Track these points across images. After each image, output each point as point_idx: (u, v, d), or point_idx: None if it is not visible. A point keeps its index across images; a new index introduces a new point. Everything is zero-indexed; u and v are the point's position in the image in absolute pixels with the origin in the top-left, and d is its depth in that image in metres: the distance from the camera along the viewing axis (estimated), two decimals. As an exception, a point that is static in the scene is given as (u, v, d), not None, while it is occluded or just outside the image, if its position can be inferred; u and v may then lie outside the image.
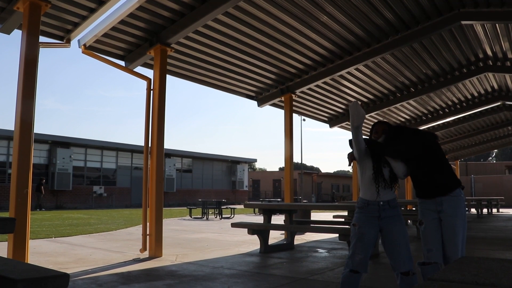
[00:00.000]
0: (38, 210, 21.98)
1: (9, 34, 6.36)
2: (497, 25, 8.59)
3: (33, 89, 5.35)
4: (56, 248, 7.62)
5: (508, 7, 7.42)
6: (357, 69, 10.17)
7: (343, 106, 12.94)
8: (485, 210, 20.30)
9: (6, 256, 4.78)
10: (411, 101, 13.13)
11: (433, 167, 3.41)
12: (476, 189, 34.96)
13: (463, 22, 8.04)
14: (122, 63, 7.77)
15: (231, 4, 6.42)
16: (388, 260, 3.36)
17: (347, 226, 7.23)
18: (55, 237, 9.15)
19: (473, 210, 20.33)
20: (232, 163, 38.46)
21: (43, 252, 7.02)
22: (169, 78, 10.63)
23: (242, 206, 18.44)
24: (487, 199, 20.44)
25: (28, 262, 5.05)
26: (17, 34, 6.54)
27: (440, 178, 3.39)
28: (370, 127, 3.60)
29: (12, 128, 5.40)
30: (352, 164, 3.67)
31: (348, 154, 3.60)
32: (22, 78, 5.28)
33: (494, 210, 22.38)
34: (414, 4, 7.59)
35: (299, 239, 9.06)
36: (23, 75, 5.28)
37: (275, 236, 9.43)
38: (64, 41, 6.86)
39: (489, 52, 10.17)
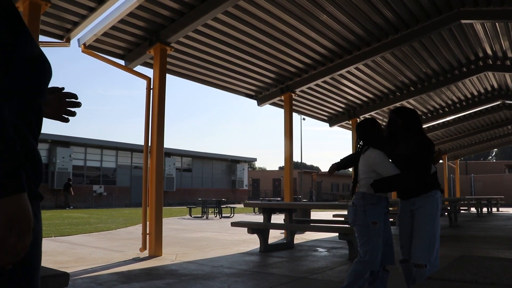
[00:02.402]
0: (66, 208, 23.28)
1: (8, 33, 6.36)
2: (497, 24, 8.58)
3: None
4: (56, 247, 7.62)
5: (507, 6, 7.41)
6: (357, 68, 10.16)
7: (343, 105, 12.94)
8: (485, 209, 20.30)
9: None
10: (411, 100, 13.12)
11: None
12: (476, 188, 34.96)
13: (463, 21, 8.04)
14: (122, 62, 7.76)
15: (231, 3, 6.42)
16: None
17: (347, 225, 7.23)
18: (55, 236, 9.15)
19: (473, 209, 20.32)
20: (232, 162, 38.46)
21: (43, 251, 6.93)
22: (169, 77, 10.65)
23: (242, 205, 18.43)
24: (487, 198, 20.45)
25: (28, 261, 5.05)
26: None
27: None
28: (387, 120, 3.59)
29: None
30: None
31: (333, 166, 3.62)
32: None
33: (494, 209, 22.38)
34: (414, 3, 7.59)
35: (299, 238, 9.06)
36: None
37: (275, 235, 9.43)
38: (64, 40, 6.85)
39: (489, 51, 10.17)
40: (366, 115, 13.46)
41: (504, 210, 23.65)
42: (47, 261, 5.96)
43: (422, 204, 3.32)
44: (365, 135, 3.47)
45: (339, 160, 3.77)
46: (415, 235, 3.29)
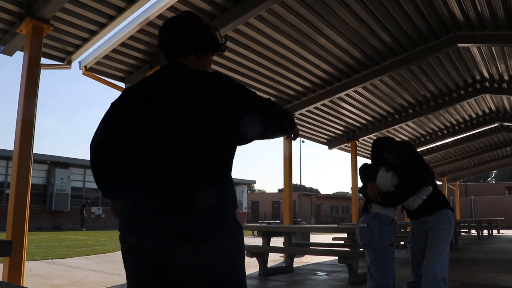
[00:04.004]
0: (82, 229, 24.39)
1: (11, 55, 6.43)
2: (492, 47, 8.71)
3: (33, 110, 5.37)
4: (53, 270, 7.53)
5: (502, 30, 7.54)
6: (356, 91, 10.23)
7: (342, 128, 12.98)
8: (485, 232, 20.16)
9: (1, 279, 4.73)
10: (409, 123, 13.18)
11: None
12: (476, 210, 34.79)
13: (460, 45, 8.15)
14: (122, 84, 7.81)
15: (230, 28, 6.51)
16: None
17: (347, 249, 7.17)
18: (51, 259, 9.04)
19: (473, 232, 20.18)
20: (231, 184, 38.24)
21: (39, 274, 6.92)
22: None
23: (241, 228, 18.28)
24: (487, 220, 20.31)
25: (24, 285, 4.98)
26: (18, 53, 6.66)
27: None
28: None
29: (11, 148, 5.39)
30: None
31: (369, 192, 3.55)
32: (22, 99, 5.31)
33: (495, 232, 22.23)
34: (411, 27, 7.71)
35: (298, 262, 8.96)
36: (24, 96, 5.30)
37: (274, 259, 9.33)
38: (65, 62, 6.92)
39: (486, 74, 10.28)
40: (366, 138, 13.50)
41: (505, 232, 23.48)
42: (43, 285, 5.88)
43: (436, 222, 3.35)
44: (386, 155, 3.50)
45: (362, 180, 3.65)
46: (430, 248, 3.29)
